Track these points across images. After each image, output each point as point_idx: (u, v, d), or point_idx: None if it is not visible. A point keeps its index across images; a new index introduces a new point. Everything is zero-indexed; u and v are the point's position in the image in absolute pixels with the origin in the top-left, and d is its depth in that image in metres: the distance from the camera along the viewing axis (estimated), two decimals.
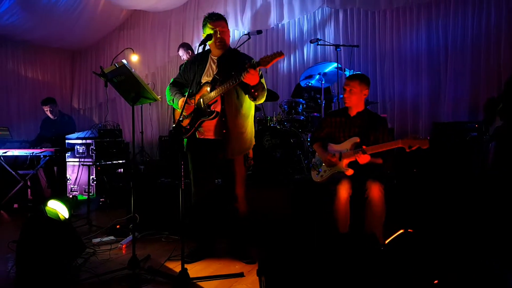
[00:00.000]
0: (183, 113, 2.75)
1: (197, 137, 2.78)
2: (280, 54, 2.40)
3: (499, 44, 4.68)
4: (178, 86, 2.92)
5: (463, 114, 4.86)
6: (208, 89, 2.70)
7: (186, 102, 2.63)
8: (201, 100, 2.73)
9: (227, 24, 2.76)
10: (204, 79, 2.76)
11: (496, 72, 4.70)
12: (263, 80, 2.70)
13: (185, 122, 2.81)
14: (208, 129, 2.75)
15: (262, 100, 2.77)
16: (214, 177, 2.91)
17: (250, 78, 2.49)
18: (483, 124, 3.67)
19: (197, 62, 2.82)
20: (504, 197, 2.92)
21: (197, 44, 6.66)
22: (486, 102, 3.76)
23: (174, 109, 2.96)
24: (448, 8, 5.01)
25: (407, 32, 5.25)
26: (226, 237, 3.04)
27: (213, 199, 2.89)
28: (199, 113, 2.73)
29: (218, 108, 2.70)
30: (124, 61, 2.52)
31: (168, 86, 2.97)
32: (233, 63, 2.67)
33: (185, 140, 2.82)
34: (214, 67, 2.77)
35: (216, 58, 2.78)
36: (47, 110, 5.53)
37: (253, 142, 2.88)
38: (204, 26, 2.75)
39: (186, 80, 2.89)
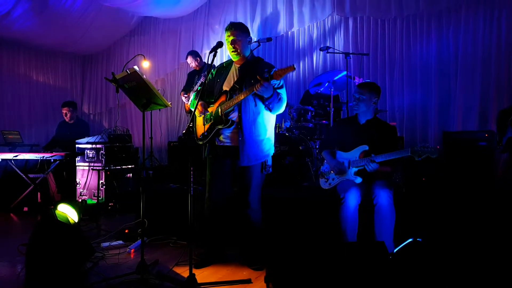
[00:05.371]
0: (203, 118, 2.82)
1: (216, 144, 2.83)
2: (292, 68, 2.47)
3: (510, 54, 4.64)
4: (204, 92, 2.94)
5: (473, 123, 4.82)
6: (226, 97, 2.74)
7: (196, 106, 2.68)
8: (219, 108, 2.77)
9: (242, 32, 2.78)
10: (225, 87, 2.82)
11: (507, 82, 4.66)
12: (283, 92, 2.74)
13: (204, 129, 2.86)
14: (226, 136, 2.80)
15: (279, 111, 2.80)
16: (230, 184, 2.91)
17: (263, 90, 2.54)
18: (497, 136, 3.64)
19: (222, 69, 2.90)
20: None
21: (207, 51, 6.83)
22: (498, 114, 3.74)
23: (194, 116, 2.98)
24: (459, 17, 4.97)
25: (417, 41, 5.23)
26: (236, 243, 3.05)
27: (226, 205, 2.90)
28: (216, 121, 2.78)
29: (235, 115, 2.74)
30: (135, 67, 2.56)
31: (194, 93, 3.03)
32: (254, 72, 2.68)
33: (207, 146, 2.88)
34: (235, 75, 2.82)
35: (238, 66, 2.82)
36: (64, 113, 5.60)
37: (272, 150, 2.90)
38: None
39: (211, 87, 2.94)
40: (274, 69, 2.57)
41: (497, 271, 2.41)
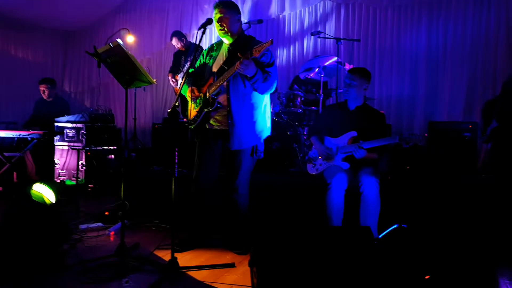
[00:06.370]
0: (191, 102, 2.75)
1: (206, 127, 2.74)
2: (269, 42, 2.38)
3: (497, 46, 4.67)
4: (195, 76, 2.83)
5: (458, 114, 4.86)
6: (214, 79, 2.65)
7: (181, 89, 2.58)
8: (208, 91, 2.68)
9: (230, 9, 2.66)
10: (214, 68, 2.72)
11: (492, 74, 4.70)
12: (273, 70, 2.64)
13: (194, 113, 2.77)
14: (216, 119, 2.71)
15: (268, 91, 2.69)
16: (217, 168, 2.82)
17: (244, 68, 2.44)
18: (481, 126, 3.67)
19: (213, 50, 2.80)
20: (496, 196, 2.92)
21: (195, 32, 6.65)
22: (484, 105, 3.76)
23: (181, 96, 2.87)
24: (449, 9, 4.97)
25: (407, 31, 5.21)
26: (220, 228, 2.99)
27: (213, 189, 2.82)
28: (205, 104, 2.68)
29: (223, 97, 2.65)
30: (119, 40, 2.43)
31: (184, 73, 2.94)
32: (243, 50, 2.54)
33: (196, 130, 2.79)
34: (224, 55, 2.72)
35: (228, 46, 2.72)
36: (42, 90, 5.38)
37: (267, 133, 2.80)
38: None
39: (201, 69, 2.83)
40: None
41: (480, 256, 2.43)
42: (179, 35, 5.38)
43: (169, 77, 5.56)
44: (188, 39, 5.71)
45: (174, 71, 5.43)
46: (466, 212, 2.88)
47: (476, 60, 4.80)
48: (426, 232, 2.75)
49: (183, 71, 5.16)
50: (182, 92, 2.80)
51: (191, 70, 2.84)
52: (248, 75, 2.52)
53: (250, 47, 2.45)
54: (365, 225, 2.61)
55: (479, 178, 3.62)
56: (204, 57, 2.85)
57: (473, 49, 4.82)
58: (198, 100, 2.76)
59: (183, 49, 5.36)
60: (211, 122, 2.73)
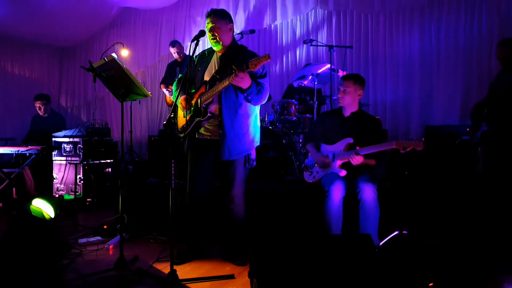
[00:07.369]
0: (184, 111, 2.73)
1: (196, 137, 2.73)
2: (267, 57, 2.34)
3: (490, 49, 4.69)
4: (187, 83, 2.81)
5: (454, 117, 4.88)
6: (206, 88, 2.64)
7: (176, 100, 2.57)
8: (199, 100, 2.67)
9: (222, 19, 2.66)
10: (206, 76, 2.71)
11: (487, 76, 4.71)
12: (266, 82, 2.64)
13: (184, 121, 2.76)
14: (207, 129, 2.70)
15: (261, 102, 2.70)
16: (211, 178, 2.81)
17: (239, 81, 2.43)
18: (471, 130, 3.68)
19: (204, 57, 2.79)
20: (493, 199, 2.92)
21: (188, 44, 6.69)
22: (473, 108, 3.77)
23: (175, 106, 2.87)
24: (441, 13, 5.01)
25: (399, 36, 5.25)
26: (218, 239, 2.98)
27: (208, 199, 2.81)
28: (196, 113, 2.68)
29: (215, 107, 2.64)
30: (113, 54, 2.45)
31: (176, 81, 2.93)
32: (235, 61, 2.55)
33: (187, 139, 2.78)
34: (216, 64, 2.71)
35: (219, 55, 2.72)
36: (38, 106, 5.40)
37: (256, 143, 2.80)
38: None
39: (192, 76, 2.83)
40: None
41: (482, 261, 2.42)
42: (180, 44, 5.41)
43: (162, 88, 5.57)
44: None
45: (168, 82, 5.44)
46: (467, 216, 2.87)
47: (470, 63, 4.83)
48: (428, 238, 2.74)
49: None
50: (173, 98, 2.81)
51: (179, 75, 2.86)
52: (243, 88, 2.53)
53: (245, 59, 2.44)
54: (365, 232, 2.59)
55: (479, 182, 3.61)
56: (195, 63, 2.84)
57: (466, 52, 4.85)
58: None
59: (180, 60, 5.39)
60: (202, 131, 2.72)
